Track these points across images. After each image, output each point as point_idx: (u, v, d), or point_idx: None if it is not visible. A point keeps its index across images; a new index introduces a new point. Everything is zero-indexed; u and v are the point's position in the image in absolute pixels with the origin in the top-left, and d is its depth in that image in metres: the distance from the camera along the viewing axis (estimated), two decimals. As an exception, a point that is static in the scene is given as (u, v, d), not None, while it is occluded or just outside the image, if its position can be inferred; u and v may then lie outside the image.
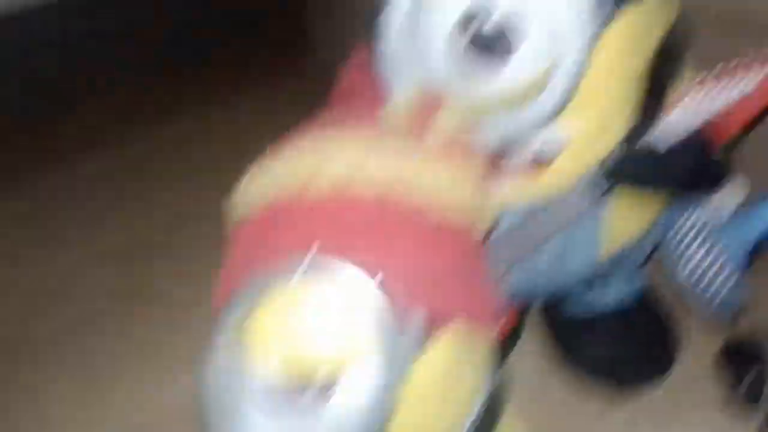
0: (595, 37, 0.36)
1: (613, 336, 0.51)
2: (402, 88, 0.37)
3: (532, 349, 0.54)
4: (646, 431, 0.48)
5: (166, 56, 1.10)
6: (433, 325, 0.31)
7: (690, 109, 0.38)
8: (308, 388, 0.28)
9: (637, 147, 0.38)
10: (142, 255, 0.70)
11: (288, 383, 0.29)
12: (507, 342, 0.49)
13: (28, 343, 0.61)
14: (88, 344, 0.60)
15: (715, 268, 0.41)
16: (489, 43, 0.35)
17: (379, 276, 0.28)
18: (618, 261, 0.46)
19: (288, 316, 0.29)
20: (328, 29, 0.90)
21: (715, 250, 0.39)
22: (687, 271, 0.43)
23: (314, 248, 0.29)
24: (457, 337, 0.33)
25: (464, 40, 0.36)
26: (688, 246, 0.43)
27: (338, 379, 0.29)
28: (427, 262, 0.31)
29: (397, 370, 0.29)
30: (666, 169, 0.37)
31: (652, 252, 0.47)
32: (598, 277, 0.48)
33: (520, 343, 0.54)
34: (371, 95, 0.37)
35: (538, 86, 0.36)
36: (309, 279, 0.28)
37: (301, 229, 0.31)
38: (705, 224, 0.38)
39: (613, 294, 0.51)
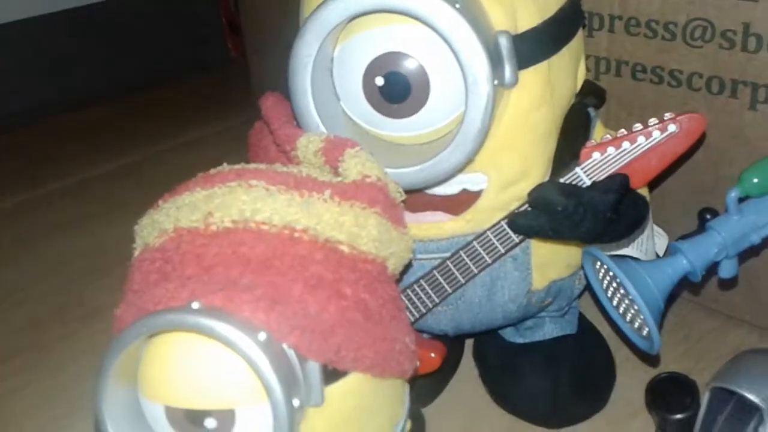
0: (499, 96, 0.37)
1: (548, 365, 0.51)
2: (314, 128, 0.38)
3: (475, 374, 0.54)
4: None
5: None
6: (330, 372, 0.32)
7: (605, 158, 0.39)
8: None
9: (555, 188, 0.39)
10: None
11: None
12: (443, 371, 0.49)
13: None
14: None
15: (633, 309, 0.41)
16: (399, 91, 0.36)
17: (264, 333, 0.28)
18: (552, 295, 0.46)
19: (175, 367, 0.29)
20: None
21: (629, 298, 0.40)
22: (614, 306, 0.43)
23: (207, 294, 0.29)
24: (358, 383, 0.33)
25: (376, 84, 0.37)
26: (608, 286, 0.43)
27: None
28: (322, 310, 0.31)
29: (290, 419, 0.29)
30: (573, 223, 0.37)
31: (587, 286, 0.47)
32: (531, 317, 0.49)
33: (462, 369, 0.54)
34: (284, 133, 0.38)
35: (448, 135, 0.38)
36: (197, 329, 0.28)
37: (197, 268, 0.31)
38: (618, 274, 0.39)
39: (548, 332, 0.51)
